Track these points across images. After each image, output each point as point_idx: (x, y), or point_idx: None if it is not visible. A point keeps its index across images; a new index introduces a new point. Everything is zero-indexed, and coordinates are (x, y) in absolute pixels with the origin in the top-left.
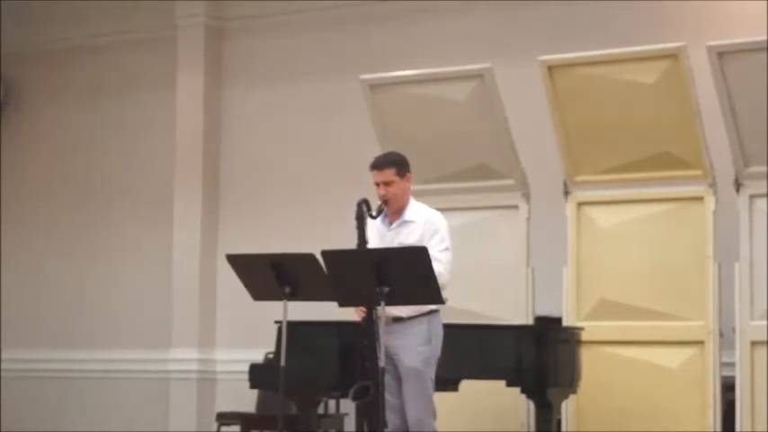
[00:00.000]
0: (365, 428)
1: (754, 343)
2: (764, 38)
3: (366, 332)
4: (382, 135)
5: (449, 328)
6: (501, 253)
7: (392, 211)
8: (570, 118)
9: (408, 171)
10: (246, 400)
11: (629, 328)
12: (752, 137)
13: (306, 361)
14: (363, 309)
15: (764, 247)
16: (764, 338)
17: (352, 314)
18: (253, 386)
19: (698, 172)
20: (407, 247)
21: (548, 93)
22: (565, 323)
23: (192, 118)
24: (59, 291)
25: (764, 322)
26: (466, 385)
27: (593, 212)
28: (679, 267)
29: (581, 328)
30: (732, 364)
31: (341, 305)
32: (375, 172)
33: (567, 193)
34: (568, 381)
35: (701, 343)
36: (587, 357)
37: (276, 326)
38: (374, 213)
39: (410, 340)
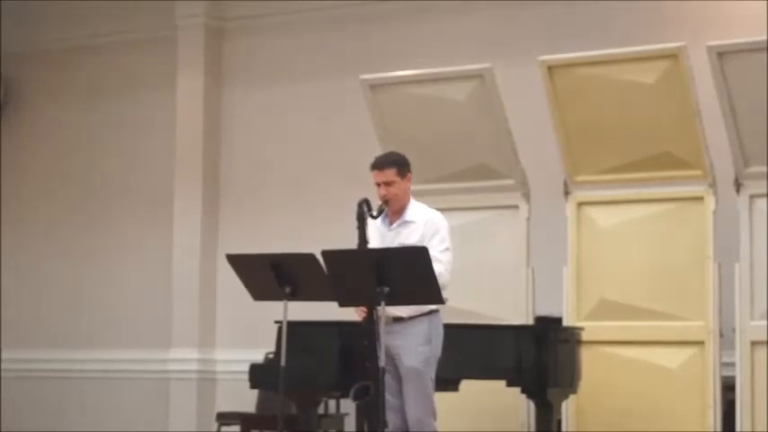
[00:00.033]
0: (365, 428)
1: (754, 343)
2: (764, 38)
3: (366, 332)
4: (382, 135)
5: (449, 328)
6: (501, 253)
7: (393, 211)
8: (570, 118)
9: (409, 171)
10: (246, 400)
11: (630, 328)
12: (752, 137)
13: (306, 361)
14: (364, 309)
15: (764, 248)
16: (764, 338)
17: (353, 314)
18: (253, 386)
19: (698, 172)
20: (408, 247)
21: (548, 93)
22: (565, 323)
23: (192, 118)
24: (59, 291)
25: (764, 322)
26: (466, 385)
27: (594, 212)
28: (679, 267)
29: (581, 328)
30: (732, 364)
31: (341, 305)
32: (376, 172)
33: (567, 193)
34: (568, 381)
35: (701, 343)
36: (587, 357)
37: (276, 326)
38: (375, 213)
39: (410, 340)
